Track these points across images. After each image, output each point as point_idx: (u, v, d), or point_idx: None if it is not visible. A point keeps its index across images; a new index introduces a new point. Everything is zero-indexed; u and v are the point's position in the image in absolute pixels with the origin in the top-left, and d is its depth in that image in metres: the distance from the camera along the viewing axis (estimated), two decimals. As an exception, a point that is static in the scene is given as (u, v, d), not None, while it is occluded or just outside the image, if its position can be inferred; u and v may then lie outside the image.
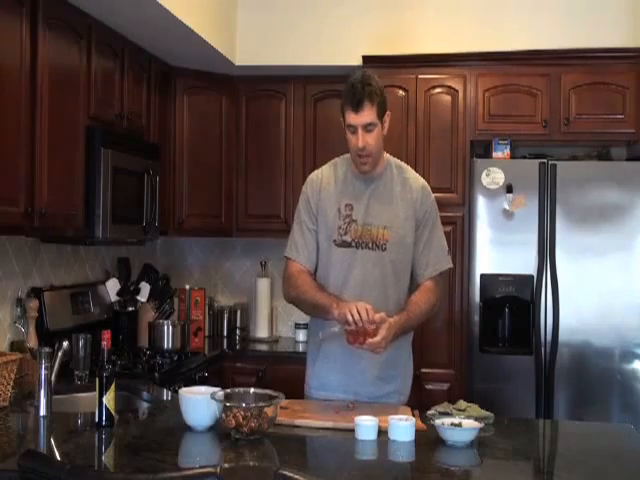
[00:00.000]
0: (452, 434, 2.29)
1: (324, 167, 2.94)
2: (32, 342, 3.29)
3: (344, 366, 2.79)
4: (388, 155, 2.89)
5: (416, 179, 2.90)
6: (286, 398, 2.48)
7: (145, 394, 3.08)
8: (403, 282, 2.86)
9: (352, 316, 2.53)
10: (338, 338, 2.67)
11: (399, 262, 2.82)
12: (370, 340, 2.56)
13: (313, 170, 2.98)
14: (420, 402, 2.88)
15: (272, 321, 4.86)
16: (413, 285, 2.88)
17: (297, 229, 2.87)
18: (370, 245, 2.79)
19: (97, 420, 2.43)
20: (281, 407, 2.44)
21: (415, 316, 2.77)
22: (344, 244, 2.79)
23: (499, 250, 4.06)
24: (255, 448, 2.25)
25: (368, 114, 2.70)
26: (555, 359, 3.97)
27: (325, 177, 2.88)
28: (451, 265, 2.93)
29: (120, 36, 3.79)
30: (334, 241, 2.79)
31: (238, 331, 4.86)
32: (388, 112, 2.77)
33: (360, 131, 2.71)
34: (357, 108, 2.69)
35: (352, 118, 2.72)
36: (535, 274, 3.99)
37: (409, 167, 2.95)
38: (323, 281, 2.82)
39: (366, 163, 2.77)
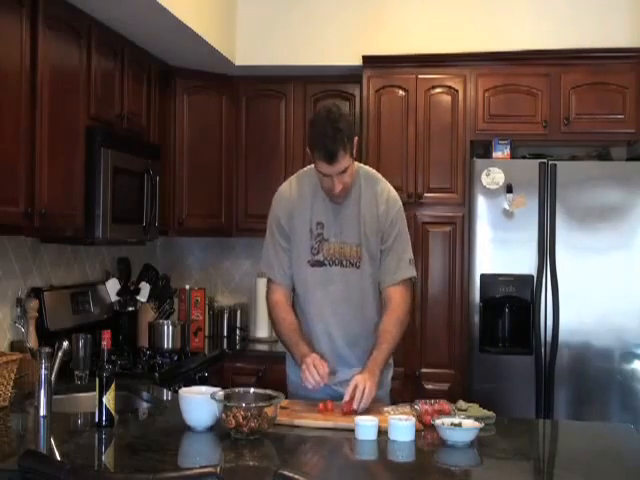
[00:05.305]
0: (452, 434, 2.29)
1: (292, 181, 2.86)
2: (32, 342, 3.29)
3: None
4: (357, 164, 2.80)
5: (383, 191, 2.82)
6: (286, 398, 2.48)
7: (145, 394, 3.08)
8: (379, 295, 2.85)
9: (312, 379, 2.57)
10: None
11: (375, 277, 2.81)
12: (354, 407, 2.53)
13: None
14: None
15: (272, 321, 4.86)
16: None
17: (271, 247, 2.82)
18: (344, 262, 2.77)
19: (97, 420, 2.43)
20: (281, 407, 2.44)
21: (390, 344, 2.72)
22: (317, 263, 2.77)
23: (499, 250, 4.06)
24: (255, 448, 2.25)
25: (343, 162, 2.61)
26: (555, 359, 3.97)
27: (294, 194, 2.81)
28: (413, 274, 2.84)
29: (120, 36, 3.79)
30: (308, 262, 2.78)
31: (238, 331, 4.86)
32: (356, 137, 2.67)
33: (335, 178, 2.64)
34: (332, 161, 2.59)
35: (326, 169, 2.62)
36: (535, 274, 3.99)
37: (379, 176, 2.87)
38: (301, 299, 2.83)
39: (341, 197, 2.73)
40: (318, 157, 2.62)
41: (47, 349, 2.67)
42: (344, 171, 2.63)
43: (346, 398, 2.55)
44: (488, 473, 2.21)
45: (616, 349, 3.96)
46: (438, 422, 2.34)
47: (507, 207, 4.02)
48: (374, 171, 2.89)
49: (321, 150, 2.60)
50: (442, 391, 4.11)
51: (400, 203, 2.86)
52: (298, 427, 2.45)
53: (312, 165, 2.81)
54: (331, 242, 2.77)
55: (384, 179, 2.88)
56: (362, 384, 2.55)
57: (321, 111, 2.68)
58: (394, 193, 2.86)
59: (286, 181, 2.90)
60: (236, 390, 2.53)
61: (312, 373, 2.57)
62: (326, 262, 2.77)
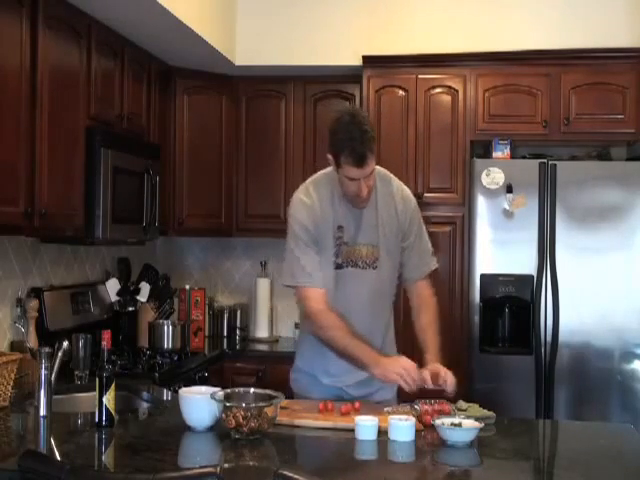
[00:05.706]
0: (452, 434, 2.29)
1: (309, 188, 2.79)
2: (32, 342, 3.29)
3: (338, 365, 2.76)
4: None
5: (398, 191, 2.84)
6: (286, 398, 2.48)
7: (145, 394, 3.08)
8: (393, 293, 2.91)
9: (404, 381, 2.61)
10: None
11: (393, 277, 2.85)
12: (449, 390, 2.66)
13: (313, 170, 2.95)
14: (420, 402, 2.88)
15: (272, 321, 4.86)
16: (399, 287, 2.91)
17: (301, 254, 2.73)
18: (360, 264, 2.77)
19: (97, 420, 2.43)
20: (281, 407, 2.44)
21: (438, 335, 2.82)
22: (337, 267, 2.77)
23: (499, 250, 4.06)
24: (255, 448, 2.25)
25: (371, 164, 2.60)
26: (555, 359, 3.97)
27: (316, 202, 2.75)
28: (436, 265, 2.96)
29: (120, 36, 3.78)
30: (332, 265, 2.76)
31: (238, 331, 4.86)
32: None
33: (363, 182, 2.62)
34: (362, 164, 2.57)
35: (354, 173, 2.59)
36: (535, 274, 3.99)
37: (391, 175, 2.87)
38: None
39: (367, 201, 2.72)
40: (346, 162, 2.58)
41: (47, 349, 2.67)
42: (370, 173, 2.63)
43: (433, 384, 2.65)
44: (488, 473, 2.21)
45: (616, 349, 3.97)
46: (438, 422, 2.35)
47: (507, 207, 4.02)
48: (385, 170, 2.89)
49: (350, 154, 2.56)
50: (442, 391, 4.09)
51: (414, 199, 2.90)
52: (298, 427, 2.45)
53: (325, 170, 2.81)
54: (349, 244, 2.77)
55: (395, 177, 2.89)
56: (444, 369, 2.66)
57: (343, 116, 2.62)
58: (407, 191, 2.89)
59: (301, 188, 2.82)
60: (236, 390, 2.53)
61: (410, 374, 2.61)
62: (344, 264, 2.77)
